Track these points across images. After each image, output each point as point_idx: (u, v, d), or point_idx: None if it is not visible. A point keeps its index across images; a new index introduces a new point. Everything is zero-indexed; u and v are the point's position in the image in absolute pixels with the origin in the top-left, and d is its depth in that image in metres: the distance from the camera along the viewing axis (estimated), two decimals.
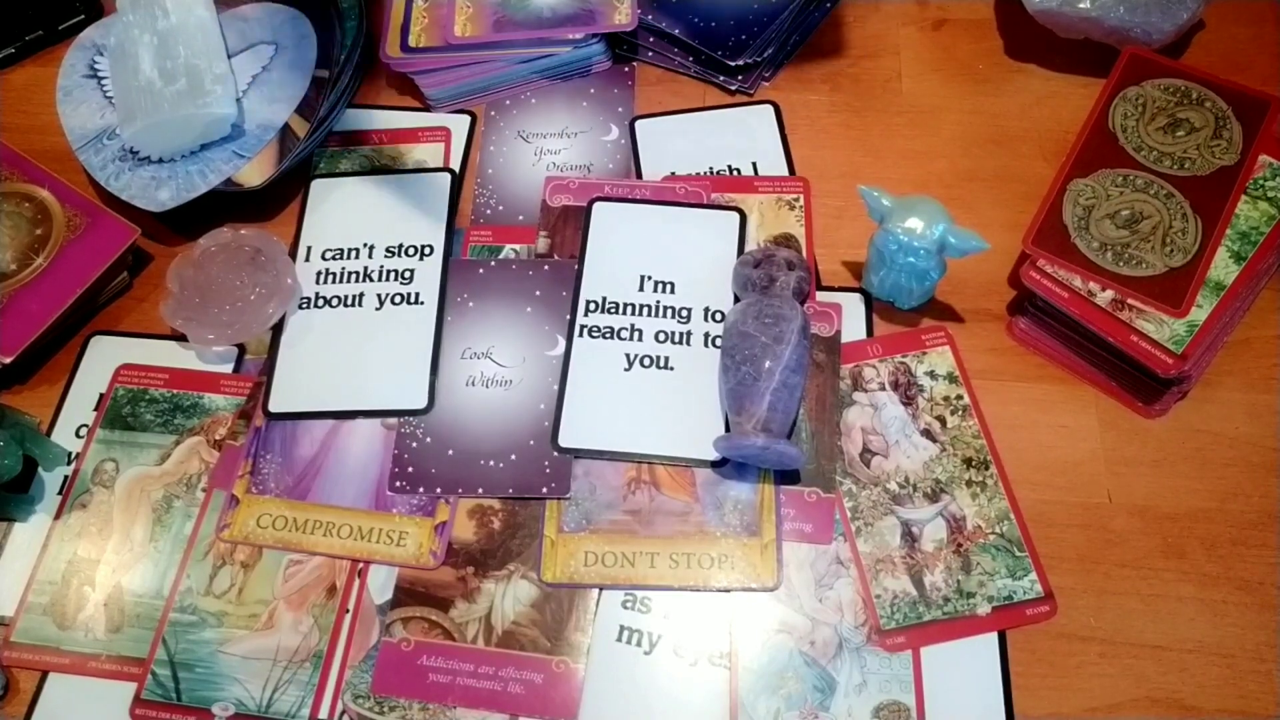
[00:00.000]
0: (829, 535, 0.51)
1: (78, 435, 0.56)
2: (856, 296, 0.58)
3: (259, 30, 0.64)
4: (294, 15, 0.64)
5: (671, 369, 0.55)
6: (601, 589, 0.51)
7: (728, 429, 0.53)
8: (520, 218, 0.62)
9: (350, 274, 0.59)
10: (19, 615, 0.51)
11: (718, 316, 0.57)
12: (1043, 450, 0.54)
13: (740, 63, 0.65)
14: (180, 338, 0.58)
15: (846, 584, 0.50)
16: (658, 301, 0.57)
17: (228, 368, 0.58)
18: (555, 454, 0.53)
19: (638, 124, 0.65)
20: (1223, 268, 0.54)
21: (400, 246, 0.60)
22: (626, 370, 0.55)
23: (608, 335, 0.57)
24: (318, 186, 0.63)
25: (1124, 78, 0.60)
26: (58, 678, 0.50)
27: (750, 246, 0.59)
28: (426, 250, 0.60)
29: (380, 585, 0.51)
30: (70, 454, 0.55)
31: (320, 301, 0.58)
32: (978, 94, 0.66)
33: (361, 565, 0.52)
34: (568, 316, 0.57)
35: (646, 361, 0.56)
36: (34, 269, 0.58)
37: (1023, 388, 0.56)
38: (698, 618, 0.50)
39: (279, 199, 0.63)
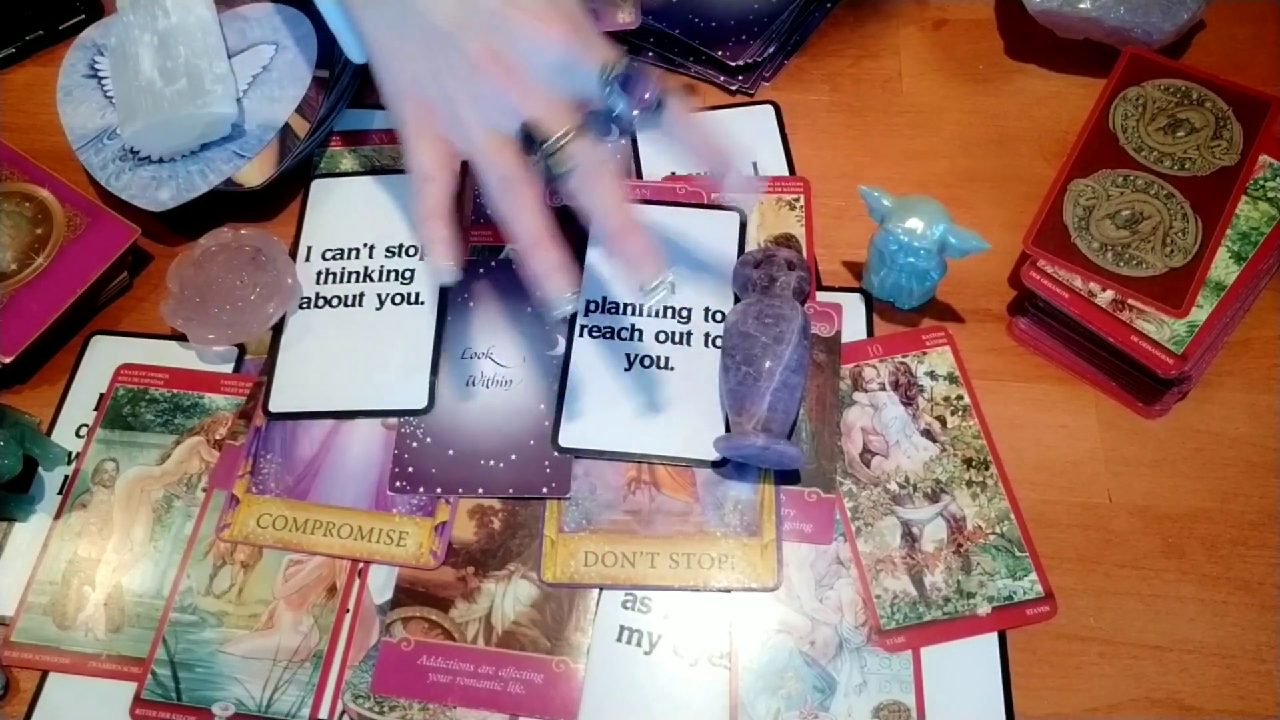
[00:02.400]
0: (829, 535, 0.51)
1: (78, 435, 0.56)
2: (857, 296, 0.58)
3: (259, 30, 0.64)
4: (294, 15, 0.64)
5: (672, 369, 0.55)
6: (601, 589, 0.51)
7: (728, 429, 0.53)
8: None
9: (350, 274, 0.59)
10: (19, 615, 0.51)
11: (718, 317, 0.57)
12: (1043, 450, 0.54)
13: (740, 63, 0.65)
14: (180, 338, 0.58)
15: (846, 584, 0.50)
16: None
17: (228, 368, 0.58)
18: (555, 454, 0.53)
19: None
20: (1223, 268, 0.54)
21: (400, 246, 0.60)
22: (627, 370, 0.55)
23: (608, 335, 0.57)
24: (318, 186, 0.63)
25: (1124, 78, 0.60)
26: (58, 677, 0.50)
27: (750, 246, 0.59)
28: None
29: (380, 585, 0.51)
30: (70, 454, 0.55)
31: (320, 301, 0.58)
32: (978, 94, 0.66)
33: (361, 565, 0.52)
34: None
35: (647, 361, 0.56)
36: (34, 269, 0.58)
37: (1023, 388, 0.56)
38: (698, 618, 0.50)
39: (279, 199, 0.63)
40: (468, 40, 0.47)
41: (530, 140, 0.47)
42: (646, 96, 0.48)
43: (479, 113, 0.48)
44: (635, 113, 0.48)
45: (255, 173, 0.60)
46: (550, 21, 0.47)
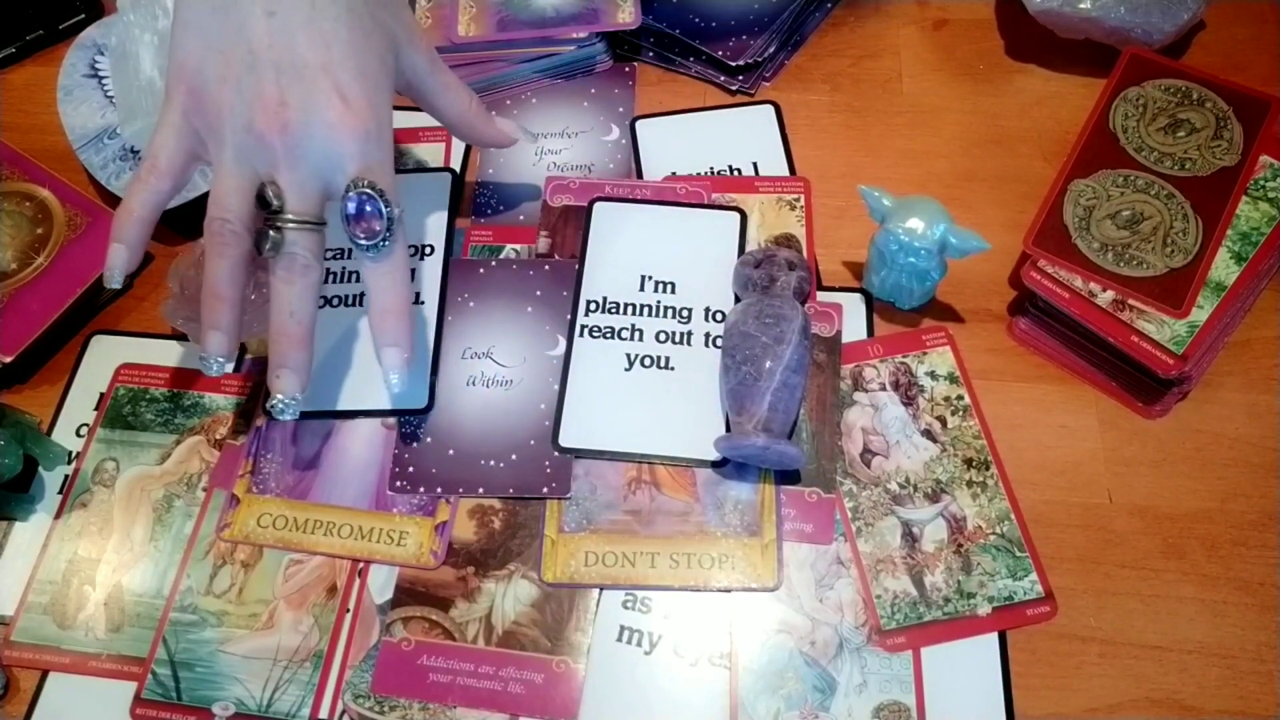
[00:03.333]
0: (829, 535, 0.51)
1: (78, 435, 0.56)
2: (857, 296, 0.58)
3: None
4: None
5: (672, 369, 0.55)
6: (602, 589, 0.51)
7: (728, 429, 0.53)
8: (520, 218, 0.62)
9: (351, 274, 0.59)
10: (19, 614, 0.51)
11: (718, 316, 0.57)
12: (1043, 450, 0.54)
13: (740, 63, 0.65)
14: (180, 338, 0.58)
15: (847, 584, 0.50)
16: (658, 301, 0.57)
17: (228, 367, 0.58)
18: (555, 454, 0.53)
19: (638, 124, 0.65)
20: (1223, 268, 0.54)
21: None
22: (627, 370, 0.55)
23: (608, 335, 0.57)
24: None
25: (1124, 78, 0.60)
26: (58, 677, 0.50)
27: (751, 246, 0.59)
28: (427, 250, 0.60)
29: (380, 585, 0.51)
30: (70, 453, 0.55)
31: (321, 302, 0.58)
32: (978, 94, 0.66)
33: (362, 565, 0.52)
34: (568, 316, 0.57)
35: (647, 361, 0.56)
36: (34, 269, 0.58)
37: (1023, 388, 0.56)
38: (698, 618, 0.50)
39: None
40: (266, 76, 0.45)
41: (264, 199, 0.46)
42: (365, 229, 0.47)
43: (237, 142, 0.46)
44: (351, 235, 0.47)
45: None
46: (351, 109, 0.45)
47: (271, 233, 0.46)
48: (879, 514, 0.52)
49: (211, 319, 0.47)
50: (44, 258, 0.58)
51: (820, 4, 0.70)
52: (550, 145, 0.65)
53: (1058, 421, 0.55)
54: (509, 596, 0.51)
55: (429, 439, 0.54)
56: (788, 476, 0.53)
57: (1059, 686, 0.48)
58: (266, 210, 0.47)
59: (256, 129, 0.45)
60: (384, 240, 0.47)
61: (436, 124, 0.65)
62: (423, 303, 0.58)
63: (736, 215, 0.60)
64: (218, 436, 0.55)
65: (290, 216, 0.46)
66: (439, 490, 0.53)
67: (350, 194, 0.46)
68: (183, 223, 0.61)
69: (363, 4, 0.47)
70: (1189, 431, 0.54)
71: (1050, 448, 0.54)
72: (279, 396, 0.48)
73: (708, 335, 0.56)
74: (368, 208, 0.46)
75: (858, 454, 0.53)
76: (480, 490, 0.53)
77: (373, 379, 0.56)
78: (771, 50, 0.66)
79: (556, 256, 0.60)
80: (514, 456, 0.54)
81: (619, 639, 0.50)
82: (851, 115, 0.66)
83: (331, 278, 0.59)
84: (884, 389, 0.55)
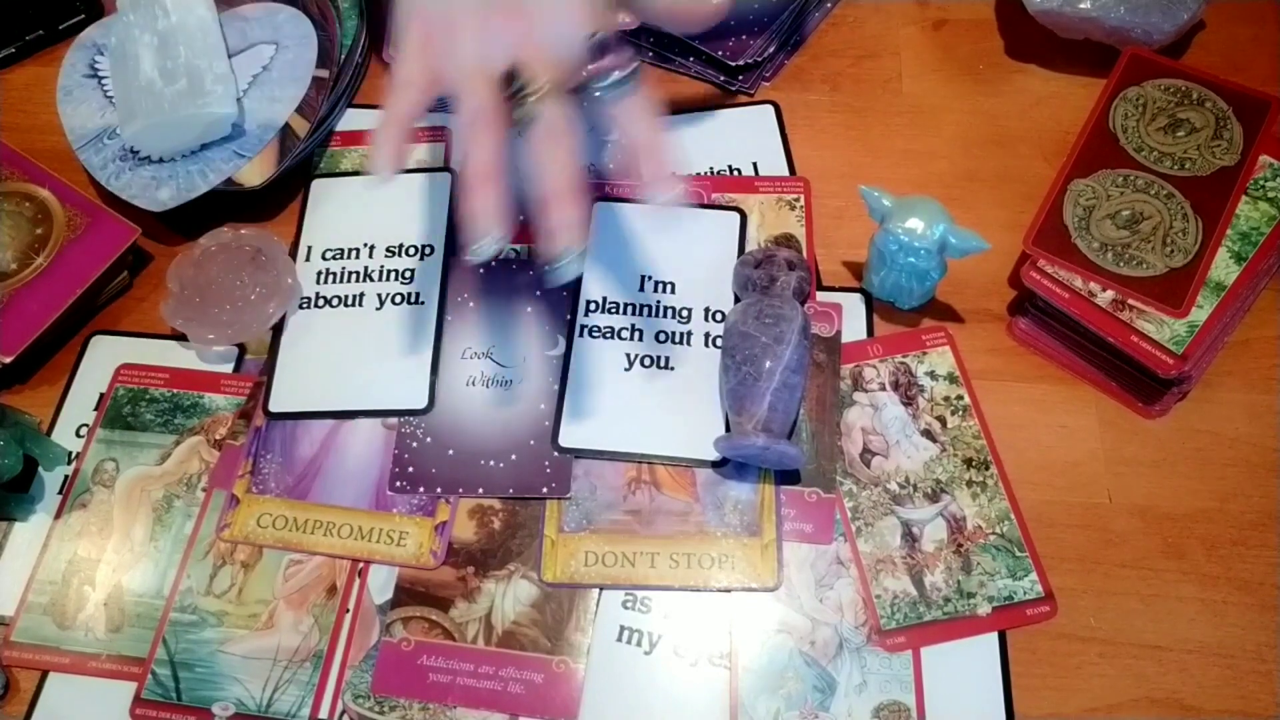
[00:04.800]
0: (829, 535, 0.51)
1: (78, 435, 0.56)
2: (857, 297, 0.58)
3: (259, 30, 0.64)
4: (294, 15, 0.64)
5: (672, 369, 0.55)
6: (602, 589, 0.51)
7: (728, 429, 0.53)
8: (520, 218, 0.62)
9: (351, 274, 0.59)
10: (19, 615, 0.51)
11: (718, 316, 0.57)
12: (1043, 450, 0.54)
13: (740, 63, 0.65)
14: (180, 338, 0.58)
15: (847, 584, 0.50)
16: (658, 301, 0.57)
17: (228, 368, 0.58)
18: (555, 454, 0.53)
19: None
20: (1223, 268, 0.54)
21: (401, 246, 0.60)
22: (627, 370, 0.55)
23: (608, 335, 0.57)
24: (318, 186, 0.63)
25: (1124, 78, 0.60)
26: (58, 677, 0.50)
27: (751, 246, 0.59)
28: (427, 250, 0.60)
29: (380, 585, 0.51)
30: (70, 454, 0.55)
31: (320, 301, 0.58)
32: (978, 94, 0.66)
33: (361, 565, 0.52)
34: (568, 316, 0.57)
35: (647, 361, 0.56)
36: (34, 269, 0.58)
37: (1023, 388, 0.56)
38: (698, 618, 0.50)
39: (279, 199, 0.63)
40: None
41: (511, 83, 0.47)
42: (611, 65, 0.47)
43: (476, 45, 0.47)
44: (600, 78, 0.47)
45: (255, 173, 0.60)
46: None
47: (520, 112, 0.47)
48: (879, 514, 0.52)
49: (475, 203, 0.46)
50: (44, 258, 0.58)
51: (820, 4, 0.70)
52: None
53: (1058, 421, 0.55)
54: (509, 596, 0.51)
55: (429, 439, 0.54)
56: (788, 476, 0.53)
57: (1059, 686, 0.48)
58: (515, 92, 0.47)
59: (491, 28, 0.47)
60: (629, 77, 0.48)
61: (436, 124, 0.65)
62: (422, 303, 0.58)
63: (736, 215, 0.60)
64: (217, 437, 0.55)
65: (537, 88, 0.46)
66: (439, 490, 0.53)
67: (591, 42, 0.47)
68: (183, 223, 0.61)
69: None
70: (1189, 431, 0.54)
71: (1050, 448, 0.54)
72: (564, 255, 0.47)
73: (708, 335, 0.56)
74: (607, 46, 0.47)
75: (858, 454, 0.53)
76: (480, 490, 0.53)
77: (373, 379, 0.56)
78: (771, 50, 0.66)
79: None
80: (514, 456, 0.54)
81: (619, 639, 0.50)
82: (851, 115, 0.66)
83: (331, 278, 0.59)
84: (884, 389, 0.55)
